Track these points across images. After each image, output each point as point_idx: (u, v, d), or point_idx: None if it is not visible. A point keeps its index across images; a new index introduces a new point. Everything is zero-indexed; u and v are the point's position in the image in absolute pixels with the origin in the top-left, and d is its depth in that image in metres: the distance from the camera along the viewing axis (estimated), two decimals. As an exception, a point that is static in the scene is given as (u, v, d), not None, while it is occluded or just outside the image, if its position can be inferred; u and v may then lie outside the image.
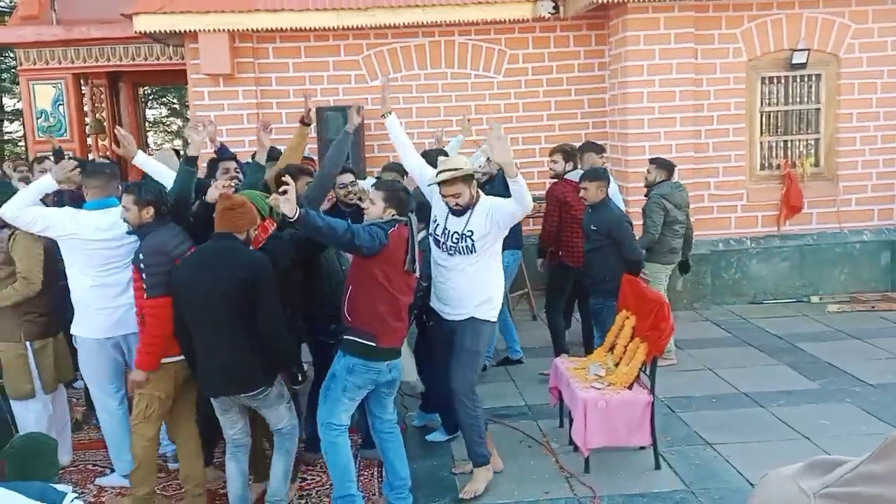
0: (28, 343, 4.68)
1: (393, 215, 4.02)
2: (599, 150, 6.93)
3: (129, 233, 4.25)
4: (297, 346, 4.26)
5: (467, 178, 4.35)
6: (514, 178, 4.15)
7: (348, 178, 5.37)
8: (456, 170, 4.32)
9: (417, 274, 4.00)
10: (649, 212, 6.48)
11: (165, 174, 4.84)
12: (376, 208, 4.04)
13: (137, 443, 4.23)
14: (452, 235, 4.40)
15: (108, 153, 10.22)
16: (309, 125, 5.58)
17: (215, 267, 3.84)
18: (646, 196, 6.67)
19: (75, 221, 4.40)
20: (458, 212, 4.37)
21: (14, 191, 4.68)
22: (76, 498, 2.88)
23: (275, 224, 4.44)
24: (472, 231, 4.35)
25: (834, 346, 7.02)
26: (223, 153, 6.28)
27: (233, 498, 4.13)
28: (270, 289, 3.86)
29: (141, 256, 4.05)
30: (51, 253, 4.66)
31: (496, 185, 5.95)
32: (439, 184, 4.35)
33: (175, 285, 3.95)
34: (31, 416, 4.74)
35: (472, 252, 4.38)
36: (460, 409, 4.54)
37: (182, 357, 4.10)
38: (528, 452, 5.10)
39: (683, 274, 6.85)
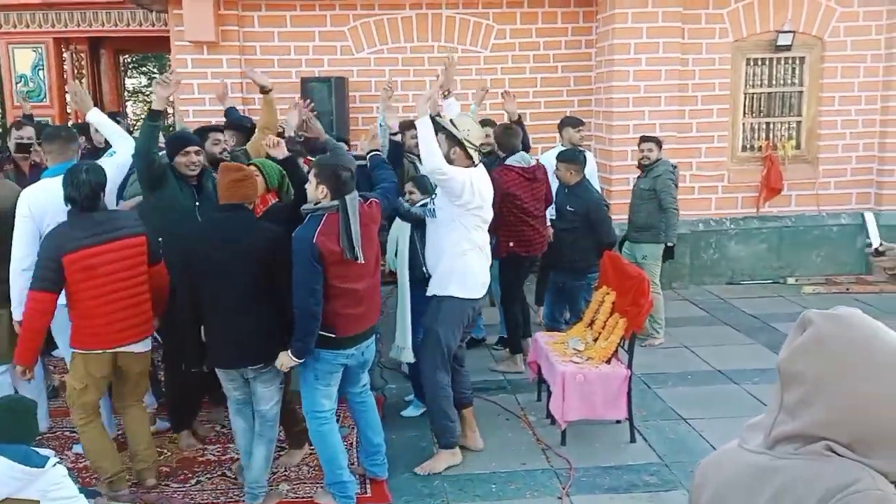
0: None
1: (326, 196, 3.81)
2: (576, 123, 6.85)
3: None
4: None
5: (451, 138, 4.39)
6: (418, 120, 4.23)
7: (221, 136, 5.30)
8: (449, 122, 4.46)
9: (361, 259, 3.78)
10: (666, 189, 6.43)
11: (118, 134, 4.76)
12: (311, 186, 3.89)
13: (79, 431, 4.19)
14: (432, 196, 4.60)
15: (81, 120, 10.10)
16: (268, 92, 5.45)
17: (234, 240, 3.81)
18: (644, 176, 6.64)
19: (44, 191, 4.31)
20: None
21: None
22: (58, 463, 2.90)
23: (276, 197, 4.44)
24: (435, 193, 4.55)
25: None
26: (230, 114, 6.25)
27: (243, 452, 4.14)
28: (288, 266, 3.81)
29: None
30: (4, 223, 4.45)
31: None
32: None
33: (190, 257, 3.90)
34: None
35: (433, 216, 4.53)
36: (425, 386, 4.59)
37: (107, 350, 4.03)
38: (505, 425, 5.16)
39: (668, 260, 6.77)
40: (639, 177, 6.76)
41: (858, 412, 1.28)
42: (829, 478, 1.27)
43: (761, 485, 1.37)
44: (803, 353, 1.33)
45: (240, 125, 6.03)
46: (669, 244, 6.40)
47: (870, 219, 3.35)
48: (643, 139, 6.77)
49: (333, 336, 3.87)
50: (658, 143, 6.68)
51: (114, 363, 4.10)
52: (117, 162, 4.59)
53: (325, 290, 3.79)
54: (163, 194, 4.49)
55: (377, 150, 4.69)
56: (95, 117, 4.78)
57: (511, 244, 5.84)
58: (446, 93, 5.65)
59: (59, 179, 4.11)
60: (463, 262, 4.46)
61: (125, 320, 4.03)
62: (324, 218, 3.79)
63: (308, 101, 6.06)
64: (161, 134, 4.99)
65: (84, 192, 3.89)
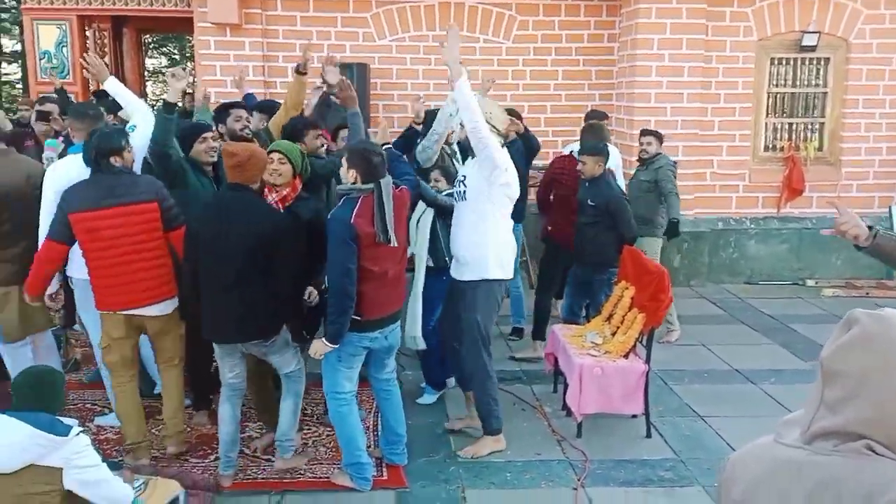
0: None
1: (356, 180, 3.86)
2: (602, 116, 6.99)
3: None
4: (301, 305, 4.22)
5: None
6: (457, 82, 4.04)
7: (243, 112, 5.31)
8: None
9: (395, 242, 3.83)
10: (666, 178, 6.46)
11: (136, 104, 4.80)
12: (343, 170, 3.96)
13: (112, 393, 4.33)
14: (461, 182, 4.55)
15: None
16: (304, 74, 5.51)
17: (235, 220, 3.85)
18: (643, 168, 6.65)
19: (67, 170, 4.37)
20: (461, 147, 4.52)
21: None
22: (81, 432, 2.92)
23: (301, 183, 4.41)
24: (465, 175, 4.52)
25: (827, 329, 6.88)
26: (248, 101, 6.27)
27: (224, 440, 4.18)
28: (289, 251, 3.90)
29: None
30: (15, 200, 4.53)
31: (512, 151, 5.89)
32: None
33: (193, 234, 3.97)
34: (10, 361, 4.72)
35: (463, 199, 4.48)
36: (474, 379, 4.61)
37: (119, 312, 4.14)
38: (521, 415, 5.18)
39: (672, 237, 6.70)
40: (638, 169, 6.78)
41: None
42: (871, 477, 1.28)
43: (798, 480, 1.38)
44: (849, 351, 1.35)
45: (272, 107, 6.03)
46: (673, 220, 6.35)
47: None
48: (643, 132, 6.80)
49: (360, 319, 3.91)
50: (658, 137, 6.70)
51: (133, 325, 4.21)
52: (140, 133, 4.56)
53: (357, 273, 3.83)
54: (183, 191, 4.46)
55: (388, 144, 4.67)
56: (113, 86, 4.80)
57: (550, 228, 6.27)
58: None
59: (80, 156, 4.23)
60: (497, 242, 4.48)
61: (134, 283, 4.10)
62: (360, 200, 3.83)
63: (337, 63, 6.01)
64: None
65: (90, 155, 4.06)
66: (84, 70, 4.98)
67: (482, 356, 4.52)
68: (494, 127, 4.48)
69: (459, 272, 4.53)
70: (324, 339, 3.88)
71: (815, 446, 1.39)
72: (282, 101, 5.95)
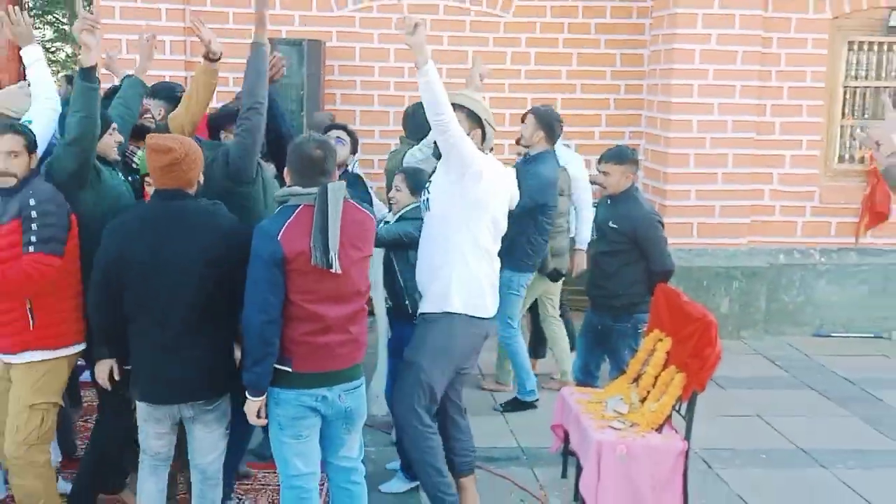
0: None
1: (291, 184, 3.93)
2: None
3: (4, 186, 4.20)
4: None
5: (473, 117, 4.55)
6: (421, 69, 4.23)
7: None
8: (469, 98, 4.57)
9: (336, 268, 3.75)
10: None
11: (48, 88, 4.81)
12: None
13: (30, 473, 4.25)
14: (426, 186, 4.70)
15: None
16: (215, 61, 5.42)
17: (174, 238, 3.84)
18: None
19: None
20: (437, 152, 4.62)
21: None
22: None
23: None
24: (430, 181, 4.64)
25: (921, 397, 7.16)
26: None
27: None
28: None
29: (31, 203, 4.07)
30: None
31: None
32: None
33: (113, 261, 3.91)
34: None
35: (427, 208, 4.59)
36: (404, 439, 4.65)
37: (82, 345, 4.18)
38: (519, 508, 5.19)
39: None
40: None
41: None
42: None
43: None
44: None
45: (171, 93, 6.01)
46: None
47: None
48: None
49: (290, 371, 3.87)
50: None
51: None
52: (39, 130, 4.54)
53: (283, 309, 3.80)
54: (103, 190, 4.45)
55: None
56: (33, 56, 4.84)
57: None
58: None
59: None
60: (467, 270, 4.54)
61: None
62: (297, 210, 3.81)
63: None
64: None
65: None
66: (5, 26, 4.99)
67: (414, 413, 4.55)
68: (491, 125, 4.57)
69: (423, 302, 4.64)
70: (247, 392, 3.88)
71: None
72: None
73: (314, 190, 3.79)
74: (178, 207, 3.91)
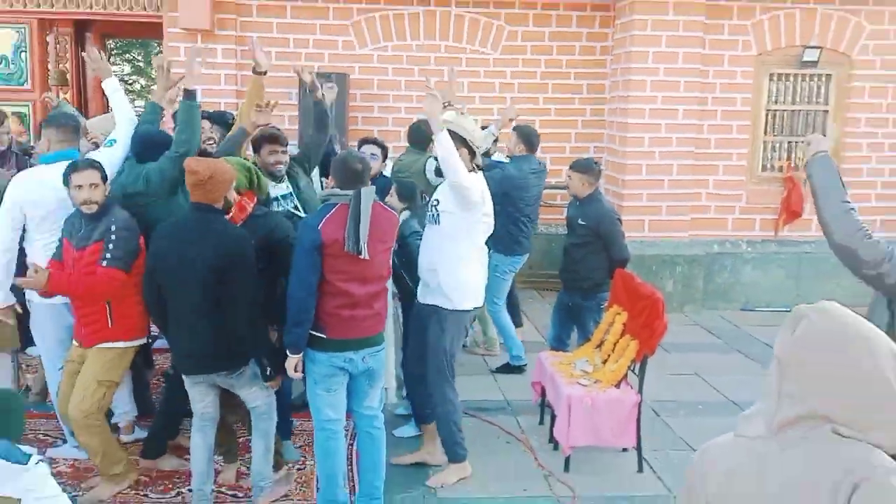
0: None
1: (332, 187, 3.98)
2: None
3: (84, 214, 4.22)
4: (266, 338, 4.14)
5: (457, 139, 4.38)
6: (437, 134, 4.26)
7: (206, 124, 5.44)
8: (449, 123, 4.43)
9: (364, 254, 3.79)
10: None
11: (127, 115, 4.84)
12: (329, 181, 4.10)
13: (94, 433, 4.27)
14: (432, 201, 4.57)
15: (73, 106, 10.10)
16: (264, 73, 5.49)
17: (195, 242, 3.86)
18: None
19: (38, 183, 4.44)
20: (438, 169, 4.52)
21: None
22: (41, 461, 2.90)
23: (255, 199, 4.36)
24: (438, 200, 4.53)
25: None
26: None
27: (196, 472, 4.15)
28: (248, 270, 3.89)
29: (113, 229, 4.13)
30: None
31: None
32: None
33: (154, 259, 3.98)
34: None
35: (436, 222, 4.50)
36: (434, 403, 4.64)
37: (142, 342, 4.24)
38: (505, 448, 5.19)
39: None
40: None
41: (853, 390, 1.55)
42: (845, 458, 1.52)
43: (772, 471, 1.60)
44: (802, 344, 1.61)
45: (224, 119, 6.03)
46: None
47: None
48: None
49: (324, 337, 3.91)
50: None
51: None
52: (115, 154, 4.68)
53: (320, 286, 3.84)
54: (176, 200, 4.51)
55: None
56: (112, 86, 4.88)
57: None
58: (447, 104, 5.70)
59: (55, 167, 4.32)
60: (473, 273, 4.56)
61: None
62: (335, 207, 3.85)
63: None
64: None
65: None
66: (50, 77, 5.06)
67: (446, 385, 4.58)
68: (477, 146, 4.53)
69: (428, 296, 4.56)
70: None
71: (782, 437, 1.61)
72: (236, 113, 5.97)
73: (350, 192, 3.84)
74: (201, 218, 3.95)
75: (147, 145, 4.67)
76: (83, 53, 5.10)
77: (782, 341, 1.66)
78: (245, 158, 4.84)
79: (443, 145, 4.24)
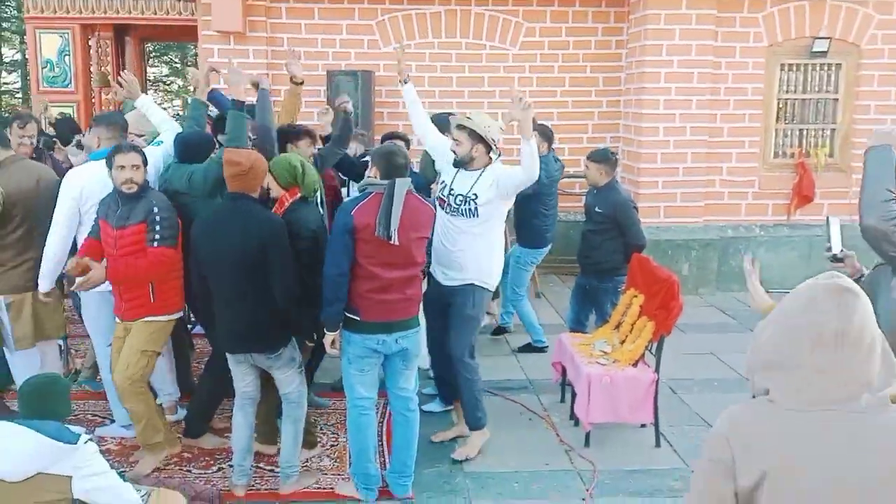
0: (1, 296, 4.66)
1: (376, 177, 4.01)
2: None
3: (123, 194, 4.27)
4: (311, 316, 4.13)
5: (474, 135, 4.44)
6: (527, 140, 4.29)
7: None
8: (468, 119, 4.48)
9: (394, 239, 3.81)
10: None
11: (167, 121, 5.04)
12: (369, 169, 4.12)
13: (139, 400, 4.35)
14: (457, 196, 4.50)
15: (111, 106, 10.23)
16: (300, 84, 5.59)
17: (233, 229, 3.92)
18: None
19: (89, 178, 4.51)
20: (457, 163, 4.51)
21: None
22: (89, 440, 2.96)
23: (297, 194, 4.38)
24: (476, 195, 4.47)
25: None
26: (215, 99, 5.76)
27: (237, 448, 4.21)
28: (283, 254, 3.95)
29: (156, 210, 4.18)
30: (27, 206, 4.63)
31: None
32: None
33: (196, 246, 4.05)
34: (16, 369, 4.79)
35: (474, 216, 4.48)
36: (458, 374, 4.66)
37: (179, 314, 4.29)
38: (528, 425, 5.20)
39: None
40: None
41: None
42: None
43: (867, 439, 1.66)
44: (870, 319, 1.73)
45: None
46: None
47: (834, 223, 3.34)
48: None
49: (358, 319, 3.95)
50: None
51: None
52: (164, 149, 4.82)
53: (353, 269, 3.89)
54: (215, 202, 4.55)
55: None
56: (145, 102, 5.08)
57: None
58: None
59: (101, 164, 4.40)
60: (501, 256, 4.71)
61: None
62: (371, 195, 3.91)
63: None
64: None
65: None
66: (118, 85, 5.16)
67: (472, 355, 4.68)
68: (494, 140, 4.53)
69: (459, 279, 4.57)
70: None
71: (850, 405, 1.66)
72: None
73: (386, 182, 3.89)
74: (239, 206, 4.01)
75: (188, 146, 4.73)
76: (119, 77, 5.21)
77: (844, 321, 1.66)
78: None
79: (532, 147, 4.33)
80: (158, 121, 5.06)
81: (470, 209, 4.48)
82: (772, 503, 1.67)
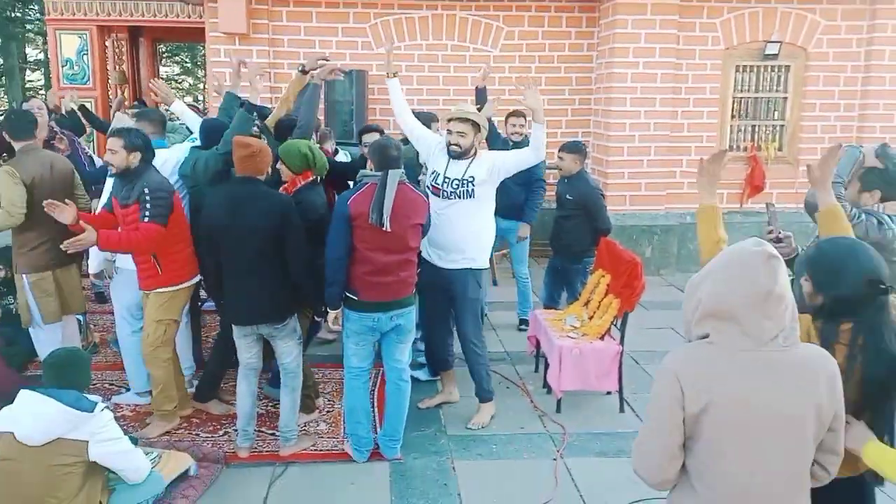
0: (24, 275, 4.63)
1: (371, 169, 3.98)
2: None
3: (111, 174, 4.25)
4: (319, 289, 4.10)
5: (475, 126, 4.41)
6: (541, 125, 4.35)
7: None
8: (469, 112, 4.45)
9: (386, 226, 3.79)
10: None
11: (198, 122, 5.09)
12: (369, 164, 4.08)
13: (159, 366, 4.32)
14: (452, 182, 4.43)
15: (126, 103, 10.12)
16: (307, 73, 5.43)
17: (245, 209, 3.88)
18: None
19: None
20: (457, 154, 4.41)
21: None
22: (105, 407, 2.95)
23: (309, 177, 4.36)
24: (472, 177, 4.42)
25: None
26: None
27: (241, 413, 4.20)
28: (297, 230, 3.93)
29: (146, 191, 4.09)
30: (44, 187, 4.55)
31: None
32: (451, 120, 4.41)
33: (207, 225, 4.00)
34: (39, 343, 4.77)
35: (471, 196, 4.43)
36: (469, 352, 4.66)
37: (195, 280, 4.25)
38: (506, 393, 5.21)
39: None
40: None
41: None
42: (823, 354, 2.01)
43: (785, 371, 1.93)
44: (785, 277, 1.99)
45: (262, 112, 5.97)
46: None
47: (772, 209, 3.31)
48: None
49: (356, 299, 3.95)
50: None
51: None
52: (186, 147, 4.87)
53: (352, 254, 3.89)
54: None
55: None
56: (179, 108, 5.24)
57: None
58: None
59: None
60: (492, 235, 4.68)
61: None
62: (366, 185, 3.89)
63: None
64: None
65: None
66: (152, 94, 5.19)
67: (480, 329, 4.70)
68: (485, 127, 4.50)
69: (461, 261, 4.51)
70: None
71: (771, 345, 1.91)
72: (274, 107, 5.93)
73: (380, 174, 3.87)
74: (250, 187, 3.97)
75: (209, 132, 4.69)
76: (151, 83, 5.23)
77: (772, 279, 1.88)
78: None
79: (543, 132, 4.40)
80: (192, 122, 5.23)
81: (467, 191, 4.42)
82: (714, 427, 1.91)
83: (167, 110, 6.85)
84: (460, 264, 4.51)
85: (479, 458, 4.30)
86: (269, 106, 6.40)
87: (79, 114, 7.30)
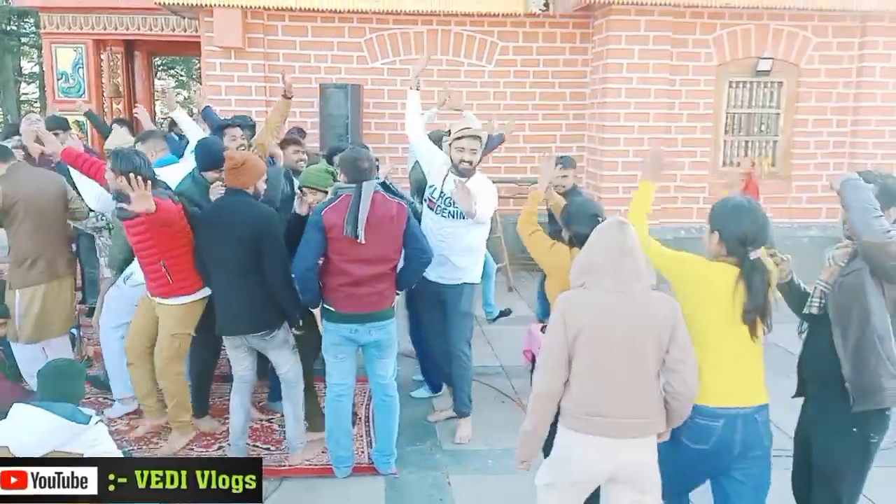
0: (16, 291, 4.54)
1: (344, 182, 3.92)
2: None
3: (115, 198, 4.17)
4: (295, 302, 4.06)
5: (482, 141, 4.42)
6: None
7: (238, 131, 5.24)
8: (480, 130, 4.42)
9: (360, 238, 3.74)
10: None
11: (198, 131, 5.19)
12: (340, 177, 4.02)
13: (172, 380, 4.31)
14: (447, 199, 4.40)
15: (122, 116, 10.13)
16: (290, 98, 5.46)
17: (230, 220, 3.91)
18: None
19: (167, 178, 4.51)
20: (468, 172, 4.34)
21: None
22: (99, 421, 2.94)
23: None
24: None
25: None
26: (208, 117, 5.84)
27: (234, 428, 4.18)
28: (275, 242, 3.93)
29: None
30: (31, 204, 4.50)
31: None
32: (463, 138, 4.32)
33: (198, 236, 4.03)
34: (23, 360, 4.64)
35: (462, 217, 4.35)
36: (456, 364, 4.64)
37: (208, 292, 4.21)
38: (501, 407, 5.21)
39: None
40: None
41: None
42: (669, 302, 2.74)
43: (636, 309, 2.67)
44: (634, 240, 2.77)
45: (245, 122, 5.93)
46: None
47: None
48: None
49: (332, 310, 3.93)
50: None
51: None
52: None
53: (326, 265, 3.88)
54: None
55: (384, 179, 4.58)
56: (180, 116, 5.35)
57: None
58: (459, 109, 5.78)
59: (162, 171, 4.50)
60: (483, 250, 4.73)
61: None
62: (340, 197, 3.86)
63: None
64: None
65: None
66: (159, 99, 5.33)
67: (468, 344, 4.70)
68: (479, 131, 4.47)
69: (459, 276, 4.52)
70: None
71: (629, 290, 2.64)
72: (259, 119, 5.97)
73: (353, 186, 3.83)
74: (235, 199, 3.99)
75: (200, 153, 4.64)
76: (157, 87, 5.32)
77: (623, 241, 2.65)
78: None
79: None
80: (190, 130, 5.37)
81: (459, 210, 4.33)
82: (583, 350, 2.63)
83: (168, 116, 6.90)
84: (453, 280, 4.52)
85: (475, 473, 4.28)
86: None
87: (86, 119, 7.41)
